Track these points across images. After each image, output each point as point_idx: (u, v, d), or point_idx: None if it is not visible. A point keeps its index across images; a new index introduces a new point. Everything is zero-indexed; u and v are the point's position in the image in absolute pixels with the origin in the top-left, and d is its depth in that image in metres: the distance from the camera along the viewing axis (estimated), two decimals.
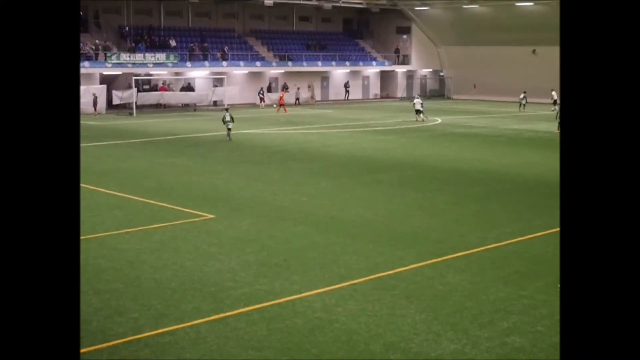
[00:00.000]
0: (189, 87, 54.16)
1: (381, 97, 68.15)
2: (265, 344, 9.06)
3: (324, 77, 64.62)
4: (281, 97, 50.97)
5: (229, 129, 31.95)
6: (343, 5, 63.24)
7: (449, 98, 67.28)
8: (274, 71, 60.23)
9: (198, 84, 55.59)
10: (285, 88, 57.72)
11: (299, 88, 59.01)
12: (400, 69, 68.44)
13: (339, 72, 64.88)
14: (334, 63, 62.96)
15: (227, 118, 32.04)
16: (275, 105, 51.55)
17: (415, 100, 43.08)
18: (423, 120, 41.21)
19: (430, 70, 70.33)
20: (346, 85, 64.94)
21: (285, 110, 48.97)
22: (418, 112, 41.77)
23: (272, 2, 57.71)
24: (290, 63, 60.00)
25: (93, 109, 46.33)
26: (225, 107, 37.77)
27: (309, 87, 61.97)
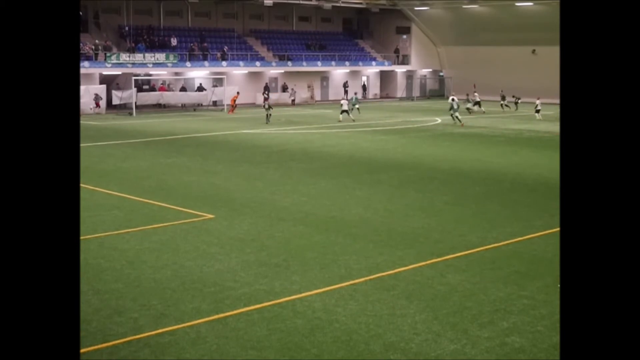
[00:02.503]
0: (200, 88, 54.29)
1: (381, 97, 68.19)
2: (265, 344, 9.07)
3: (324, 77, 64.64)
4: (234, 99, 50.80)
5: (268, 115, 41.42)
6: (343, 5, 63.28)
7: (448, 98, 67.30)
8: (274, 71, 60.24)
9: (197, 84, 55.63)
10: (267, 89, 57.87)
11: (292, 89, 59.01)
12: (399, 69, 68.46)
13: (338, 72, 64.89)
14: (333, 63, 62.96)
15: (266, 106, 42.44)
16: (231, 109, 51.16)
17: (343, 101, 44.76)
18: (340, 121, 42.11)
19: (430, 70, 70.36)
20: (345, 85, 64.96)
21: (231, 111, 49.34)
22: (344, 112, 42.78)
23: (271, 2, 57.73)
24: (289, 63, 60.00)
25: (94, 106, 46.59)
26: (265, 96, 50.18)
27: (308, 87, 61.97)
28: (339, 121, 42.09)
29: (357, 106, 46.22)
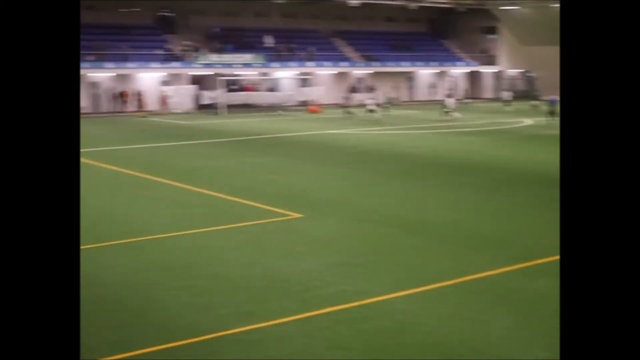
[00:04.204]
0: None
1: (468, 98, 67.25)
2: (351, 344, 9.01)
3: (410, 78, 64.21)
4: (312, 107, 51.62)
5: (370, 111, 44.54)
6: (429, 5, 62.74)
7: (538, 98, 65.84)
8: (360, 71, 60.23)
9: (284, 84, 56.18)
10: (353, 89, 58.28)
11: (376, 90, 58.88)
12: (487, 70, 67.39)
13: (424, 73, 64.36)
14: (419, 63, 62.47)
15: (370, 103, 46.01)
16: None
17: (368, 101, 47.94)
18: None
19: (518, 70, 68.98)
20: (432, 86, 64.37)
21: (317, 111, 50.61)
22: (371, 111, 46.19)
23: (357, 2, 57.74)
24: (375, 63, 59.85)
25: (188, 107, 48.23)
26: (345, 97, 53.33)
27: (394, 87, 61.69)
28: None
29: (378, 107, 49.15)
